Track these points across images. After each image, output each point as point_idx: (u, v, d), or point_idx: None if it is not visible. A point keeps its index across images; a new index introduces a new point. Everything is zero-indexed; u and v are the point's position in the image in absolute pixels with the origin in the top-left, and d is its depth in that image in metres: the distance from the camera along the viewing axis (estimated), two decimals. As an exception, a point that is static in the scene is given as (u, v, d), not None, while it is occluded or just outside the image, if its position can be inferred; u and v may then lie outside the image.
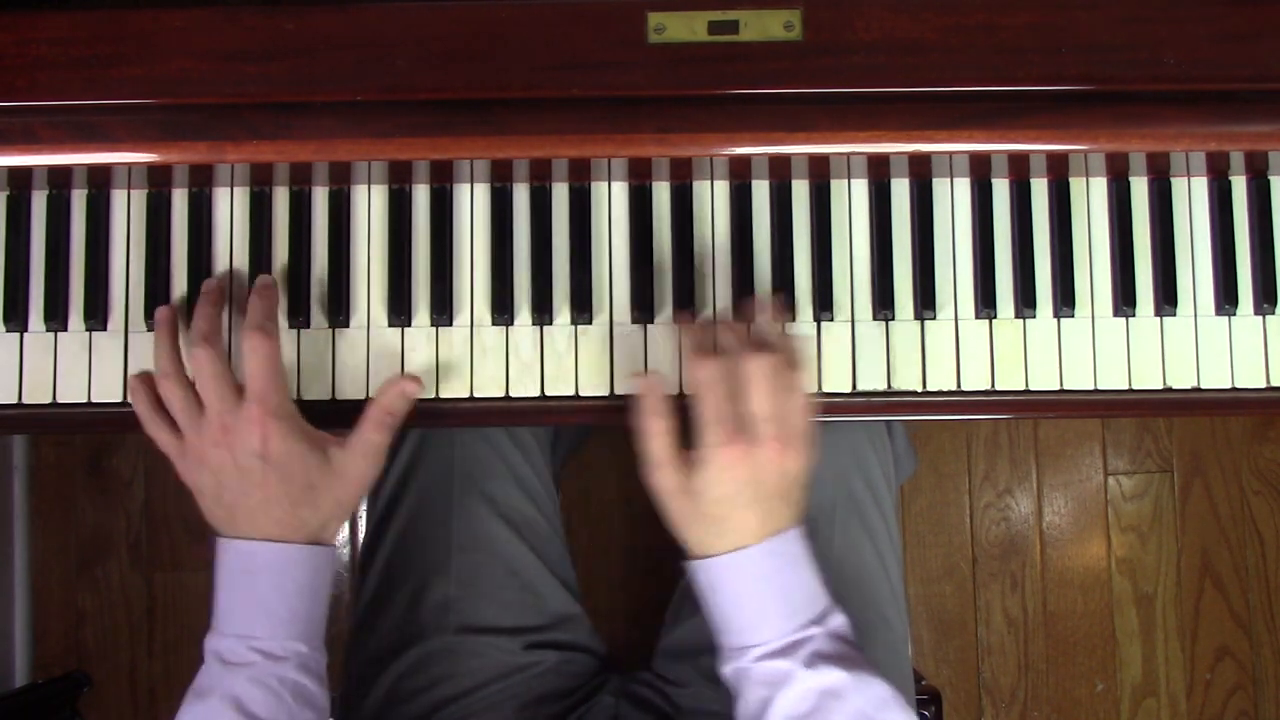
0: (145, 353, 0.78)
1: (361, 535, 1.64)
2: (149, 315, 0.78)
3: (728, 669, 0.72)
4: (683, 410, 0.74)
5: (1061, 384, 0.79)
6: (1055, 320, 0.79)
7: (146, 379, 0.74)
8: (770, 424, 0.70)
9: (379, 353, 0.78)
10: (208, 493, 0.72)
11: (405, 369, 0.78)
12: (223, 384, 0.71)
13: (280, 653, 0.70)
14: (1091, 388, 0.79)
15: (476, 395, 0.78)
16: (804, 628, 0.70)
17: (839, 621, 0.72)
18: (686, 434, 0.73)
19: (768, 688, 0.69)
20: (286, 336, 0.78)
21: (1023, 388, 0.79)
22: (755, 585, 0.71)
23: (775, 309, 0.76)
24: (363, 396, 0.78)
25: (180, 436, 0.73)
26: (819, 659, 0.69)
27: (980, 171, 0.79)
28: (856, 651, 0.71)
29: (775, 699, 0.68)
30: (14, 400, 0.78)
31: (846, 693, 0.68)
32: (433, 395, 0.78)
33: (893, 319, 0.79)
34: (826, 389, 0.78)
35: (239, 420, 0.70)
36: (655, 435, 0.72)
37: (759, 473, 0.70)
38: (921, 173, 0.79)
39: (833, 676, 0.68)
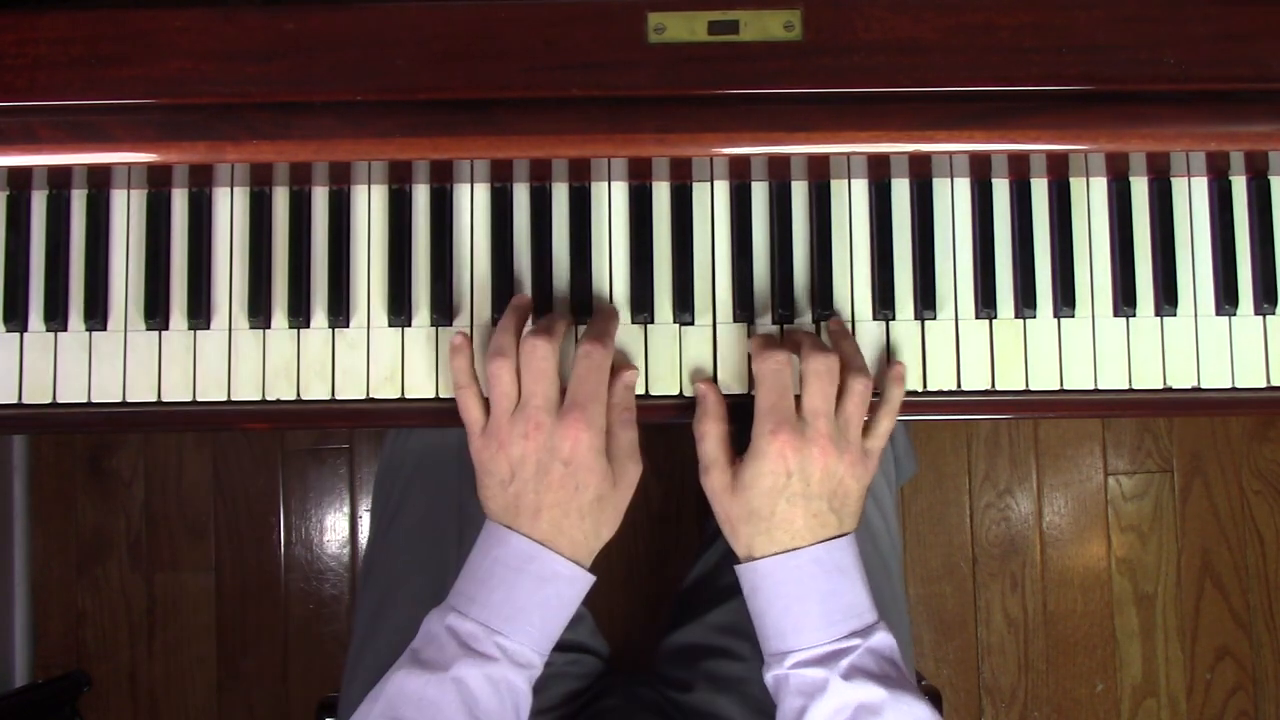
0: (145, 353, 0.78)
1: (364, 536, 1.64)
2: (149, 315, 0.78)
3: (768, 676, 0.72)
4: (736, 416, 0.75)
5: (1061, 384, 0.79)
6: (1055, 320, 0.79)
7: (471, 344, 0.75)
8: (824, 420, 0.70)
9: (379, 352, 0.78)
10: (496, 476, 0.72)
11: (405, 369, 0.78)
12: (551, 382, 0.71)
13: (521, 660, 0.69)
14: (1091, 388, 0.79)
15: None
16: (845, 639, 0.69)
17: (884, 640, 0.70)
18: (743, 441, 0.74)
19: (804, 696, 0.68)
20: (286, 336, 0.78)
21: (1023, 388, 0.79)
22: (797, 590, 0.70)
23: (839, 323, 0.78)
24: (363, 396, 0.78)
25: (487, 414, 0.73)
26: (857, 672, 0.68)
27: (980, 171, 0.79)
28: (899, 673, 0.70)
29: (811, 708, 0.68)
30: (14, 400, 0.78)
31: (884, 710, 0.67)
32: (433, 395, 0.78)
33: (893, 319, 0.79)
34: (826, 389, 0.78)
35: (556, 422, 0.70)
36: (709, 437, 0.74)
37: (806, 467, 0.70)
38: (921, 173, 0.79)
39: (870, 692, 0.67)
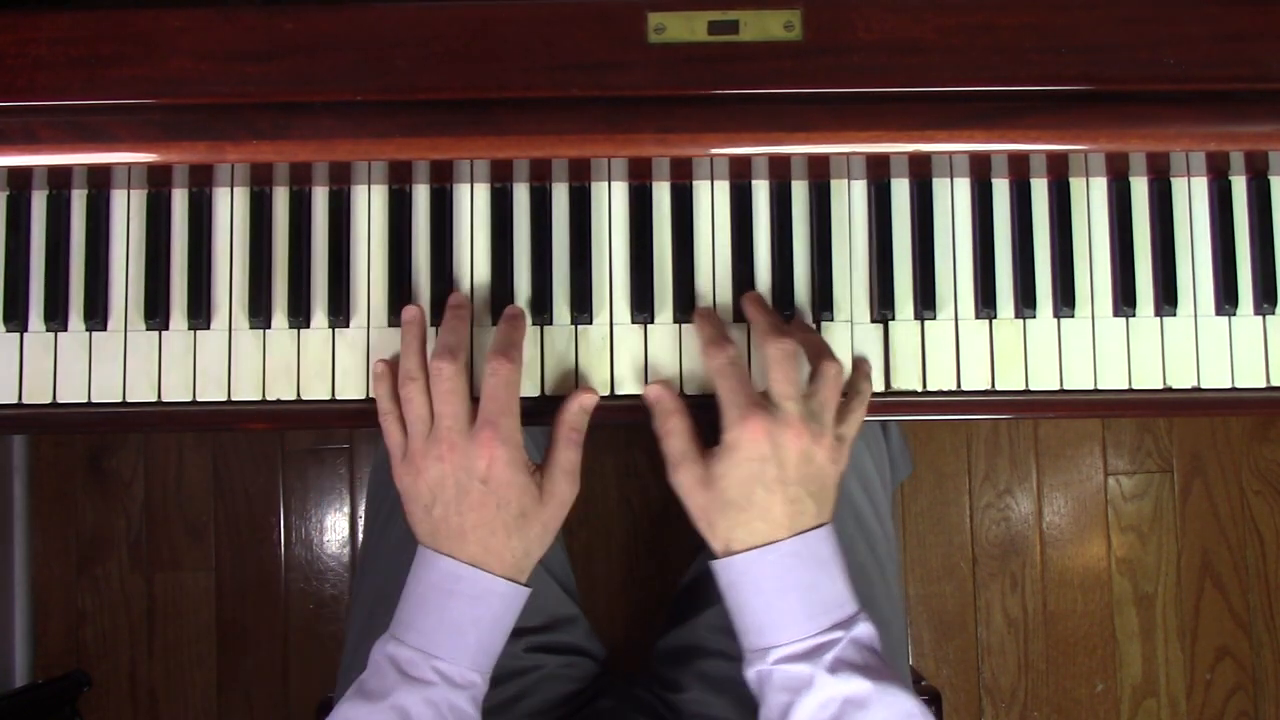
0: (145, 353, 0.78)
1: (360, 538, 1.64)
2: (149, 315, 0.78)
3: (750, 673, 0.71)
4: (698, 411, 0.74)
5: (1061, 384, 0.79)
6: (1055, 320, 0.79)
7: (392, 369, 0.75)
8: (793, 404, 0.69)
9: (379, 353, 0.78)
10: (419, 501, 0.72)
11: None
12: (460, 401, 0.71)
13: (460, 680, 0.69)
14: (1091, 388, 0.79)
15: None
16: (828, 631, 0.68)
17: (866, 630, 0.69)
18: (707, 436, 0.73)
19: (789, 693, 0.67)
20: (286, 336, 0.78)
21: (1023, 388, 0.79)
22: (777, 583, 0.69)
23: (797, 318, 0.77)
24: (363, 397, 0.78)
25: (406, 438, 0.73)
26: (843, 665, 0.67)
27: (980, 171, 0.79)
28: (882, 663, 0.69)
29: (797, 704, 0.66)
30: (14, 400, 0.78)
31: (870, 703, 0.66)
32: (433, 395, 0.78)
33: (893, 319, 0.79)
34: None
35: (469, 441, 0.70)
36: (674, 433, 0.73)
37: (780, 452, 0.69)
38: (921, 173, 0.79)
39: (856, 685, 0.66)
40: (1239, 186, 0.80)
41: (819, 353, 0.73)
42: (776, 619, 0.69)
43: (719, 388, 0.71)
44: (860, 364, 0.78)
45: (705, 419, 0.74)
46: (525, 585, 0.72)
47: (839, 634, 0.68)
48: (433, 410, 0.72)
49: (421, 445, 0.71)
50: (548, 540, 0.74)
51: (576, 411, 0.75)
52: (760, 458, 0.69)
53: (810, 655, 0.67)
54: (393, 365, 0.75)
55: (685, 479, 0.71)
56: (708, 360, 0.72)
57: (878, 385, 0.78)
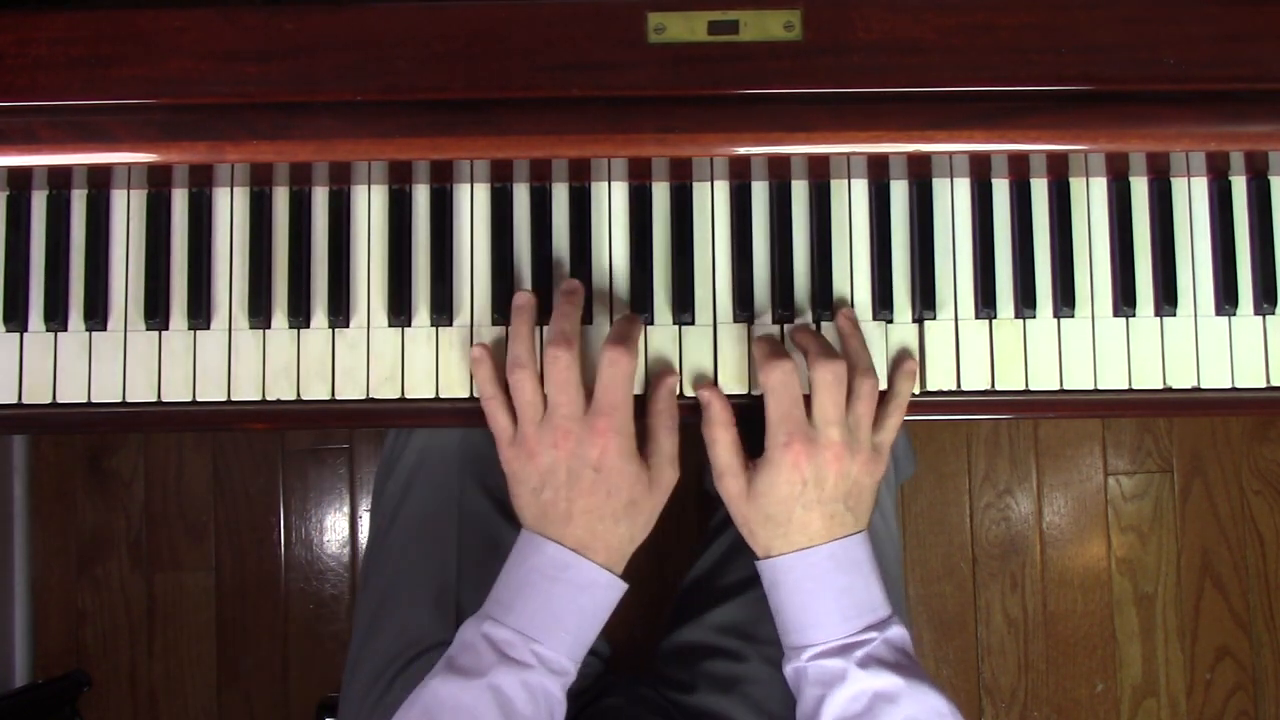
0: (145, 353, 0.78)
1: (364, 536, 1.64)
2: (149, 315, 0.78)
3: (788, 669, 0.73)
4: (742, 416, 0.75)
5: (1061, 384, 0.79)
6: (1055, 320, 0.79)
7: (492, 353, 0.75)
8: (835, 428, 0.71)
9: (379, 353, 0.78)
10: (527, 484, 0.72)
11: (405, 369, 0.78)
12: (574, 389, 0.71)
13: (556, 667, 0.70)
14: (1091, 388, 0.79)
15: (477, 395, 0.78)
16: (862, 631, 0.71)
17: (899, 632, 0.72)
18: (752, 440, 0.74)
19: (822, 686, 0.70)
20: (286, 336, 0.78)
21: (1023, 388, 0.79)
22: (815, 585, 0.71)
23: (848, 318, 0.78)
24: (363, 396, 0.78)
25: (515, 423, 0.73)
26: (874, 662, 0.69)
27: (980, 171, 0.79)
28: (914, 664, 0.72)
29: (829, 697, 0.69)
30: (14, 400, 0.78)
31: (900, 698, 0.68)
32: (432, 395, 0.78)
33: (892, 319, 0.79)
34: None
35: (584, 429, 0.71)
36: (719, 444, 0.74)
37: (821, 474, 0.71)
38: (921, 173, 0.79)
39: (887, 680, 0.69)
40: (1239, 186, 0.80)
41: (856, 365, 0.74)
42: (814, 618, 0.71)
43: (768, 403, 0.72)
44: (904, 363, 0.78)
45: (746, 426, 0.75)
46: (623, 580, 0.73)
47: (873, 634, 0.71)
48: (545, 396, 0.72)
49: (534, 430, 0.72)
50: (649, 526, 0.75)
51: (665, 396, 0.76)
52: (801, 481, 0.71)
53: (844, 651, 0.70)
54: (491, 350, 0.76)
55: (730, 489, 0.74)
56: (763, 375, 0.73)
57: (879, 385, 0.78)
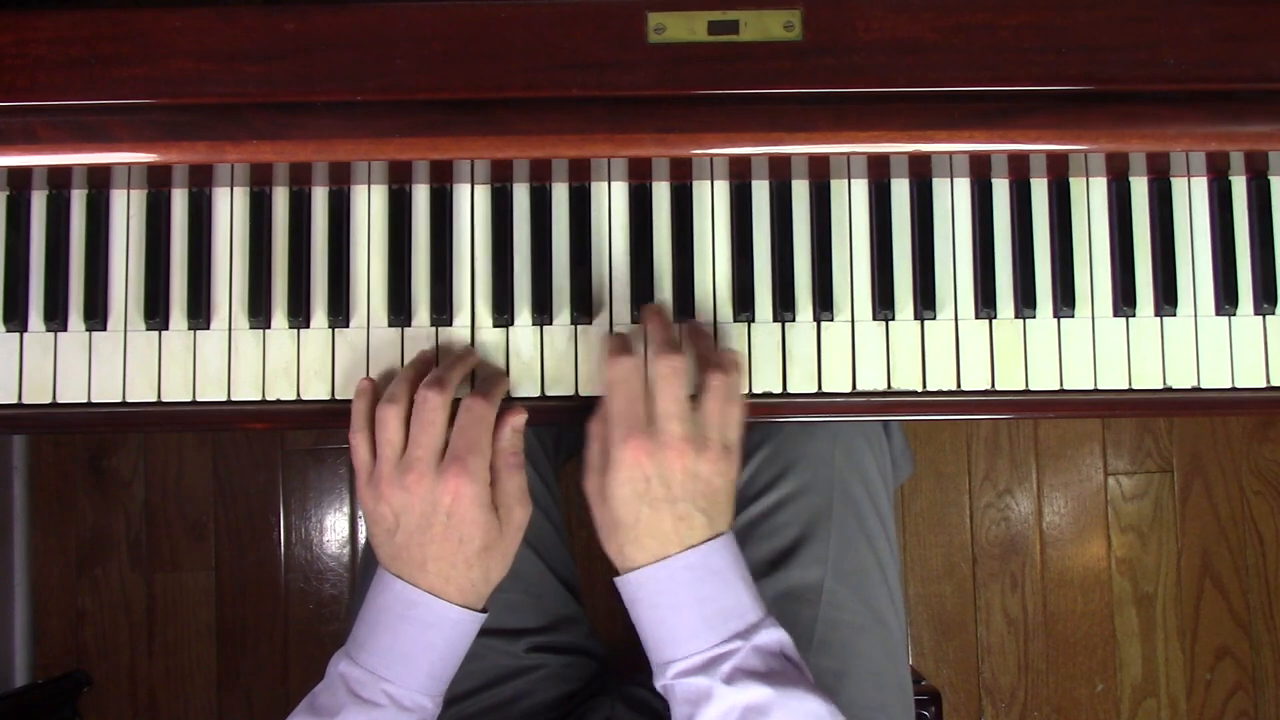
0: (145, 353, 0.78)
1: (360, 539, 1.64)
2: (148, 315, 0.78)
3: (658, 685, 0.71)
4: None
5: (1061, 384, 0.79)
6: (1055, 320, 0.79)
7: (376, 389, 0.75)
8: (676, 423, 0.69)
9: (379, 353, 0.78)
10: (381, 525, 0.72)
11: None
12: (437, 434, 0.71)
13: (408, 704, 0.70)
14: (1091, 388, 0.79)
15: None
16: (725, 642, 0.67)
17: (771, 636, 0.69)
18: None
19: (690, 705, 0.67)
20: (287, 336, 0.78)
21: (1023, 388, 0.79)
22: (671, 599, 0.69)
23: (691, 327, 0.77)
24: (363, 396, 0.78)
25: (374, 459, 0.73)
26: (741, 674, 0.66)
27: (980, 171, 0.79)
28: (792, 667, 0.69)
29: (697, 716, 0.67)
30: (14, 400, 0.78)
31: (772, 709, 0.65)
32: (433, 395, 0.78)
33: (893, 319, 0.79)
34: (827, 389, 0.78)
35: (436, 476, 0.70)
36: (592, 437, 0.73)
37: (664, 471, 0.69)
38: (921, 173, 0.79)
39: (756, 693, 0.66)
40: (1239, 186, 0.80)
41: (705, 361, 0.73)
42: (673, 633, 0.69)
43: (609, 397, 0.71)
44: (723, 357, 0.74)
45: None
46: (481, 611, 0.73)
47: (738, 644, 0.68)
48: (407, 437, 0.72)
49: (389, 471, 0.71)
50: (507, 564, 0.74)
51: (510, 435, 0.74)
52: (643, 477, 0.69)
53: (707, 667, 0.67)
54: (376, 384, 0.76)
55: (588, 489, 0.72)
56: (607, 367, 0.72)
57: (878, 385, 0.78)
